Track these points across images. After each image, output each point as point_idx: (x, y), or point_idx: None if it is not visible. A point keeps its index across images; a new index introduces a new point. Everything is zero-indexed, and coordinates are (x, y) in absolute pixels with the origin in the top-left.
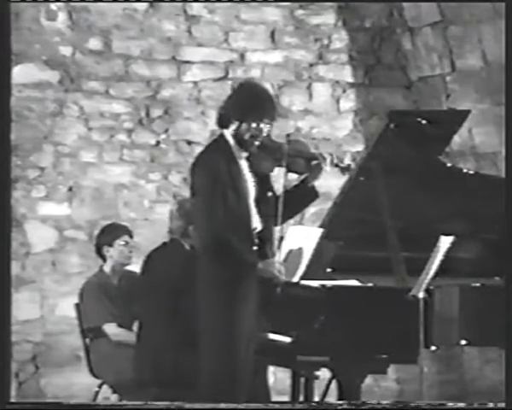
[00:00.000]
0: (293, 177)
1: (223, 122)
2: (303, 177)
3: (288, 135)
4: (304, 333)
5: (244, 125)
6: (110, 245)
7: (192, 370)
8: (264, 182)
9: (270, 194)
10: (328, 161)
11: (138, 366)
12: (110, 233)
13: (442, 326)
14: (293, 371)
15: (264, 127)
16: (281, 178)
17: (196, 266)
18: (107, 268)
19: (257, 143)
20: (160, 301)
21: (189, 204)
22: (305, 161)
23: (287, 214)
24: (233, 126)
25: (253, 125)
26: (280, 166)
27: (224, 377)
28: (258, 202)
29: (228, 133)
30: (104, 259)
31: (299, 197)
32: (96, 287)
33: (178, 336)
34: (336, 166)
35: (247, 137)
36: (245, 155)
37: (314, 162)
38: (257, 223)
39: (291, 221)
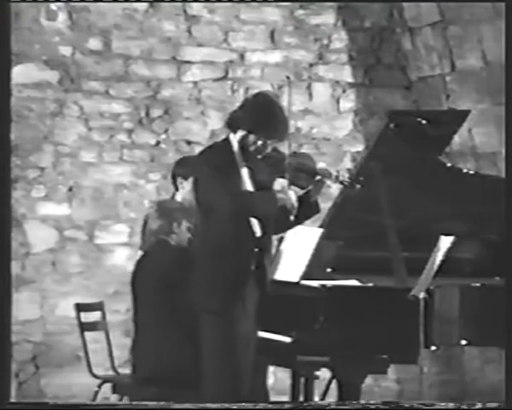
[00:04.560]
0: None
1: (232, 125)
2: (306, 190)
3: (295, 152)
4: (304, 333)
5: (251, 137)
6: (184, 178)
7: (189, 368)
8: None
9: None
10: (334, 177)
11: (136, 362)
12: (186, 166)
13: (442, 326)
14: (293, 371)
15: (271, 145)
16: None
17: (193, 267)
18: (178, 198)
19: (259, 156)
20: (154, 301)
21: (166, 203)
22: (308, 175)
23: (286, 226)
24: (240, 134)
25: (260, 141)
26: (282, 177)
27: (224, 377)
28: None
29: (234, 139)
30: (177, 188)
31: (301, 210)
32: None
33: (174, 333)
34: (341, 183)
35: (251, 149)
36: (247, 163)
37: (317, 178)
38: (256, 230)
39: None
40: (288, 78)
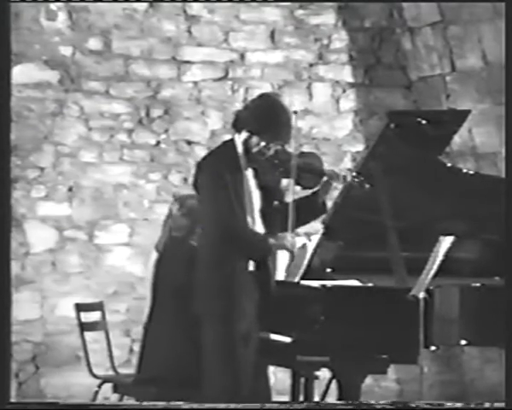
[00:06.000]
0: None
1: (236, 126)
2: (313, 190)
3: (302, 152)
4: (304, 333)
5: (254, 139)
6: None
7: (193, 369)
8: (271, 192)
9: (275, 203)
10: (341, 178)
11: (145, 362)
12: None
13: (442, 326)
14: (293, 371)
15: (274, 147)
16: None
17: (197, 266)
18: None
19: (262, 158)
20: (172, 304)
21: (192, 201)
22: (314, 176)
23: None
24: (244, 135)
25: (263, 142)
26: (287, 177)
27: (224, 377)
28: (264, 211)
29: (238, 140)
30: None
31: (308, 210)
32: None
33: (184, 335)
34: (350, 184)
35: (254, 150)
36: (252, 164)
37: (324, 179)
38: (260, 231)
39: None
40: (295, 113)
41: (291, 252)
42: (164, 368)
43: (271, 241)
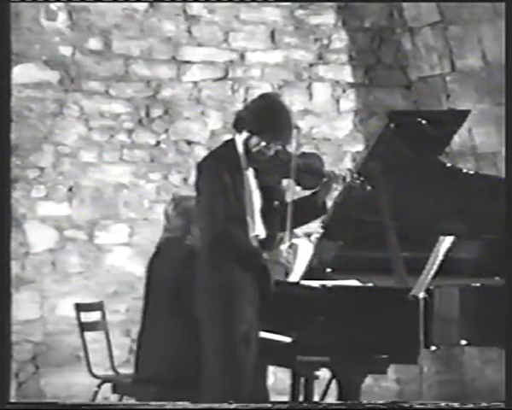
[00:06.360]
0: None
1: (237, 126)
2: (313, 191)
3: (304, 152)
4: (304, 333)
5: (254, 139)
6: None
7: (192, 368)
8: (272, 192)
9: (276, 203)
10: (341, 179)
11: (141, 361)
12: None
13: (442, 326)
14: (293, 371)
15: (274, 147)
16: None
17: (196, 266)
18: None
19: (262, 158)
20: (164, 301)
21: (187, 202)
22: (314, 176)
23: (292, 224)
24: (245, 135)
25: (263, 142)
26: (287, 177)
27: (224, 378)
28: (264, 211)
29: (239, 140)
30: None
31: (308, 210)
32: None
33: (180, 334)
34: (350, 186)
35: (254, 150)
36: (252, 164)
37: (324, 180)
38: (260, 231)
39: None
40: (296, 127)
41: (286, 267)
42: (161, 368)
43: (265, 256)
